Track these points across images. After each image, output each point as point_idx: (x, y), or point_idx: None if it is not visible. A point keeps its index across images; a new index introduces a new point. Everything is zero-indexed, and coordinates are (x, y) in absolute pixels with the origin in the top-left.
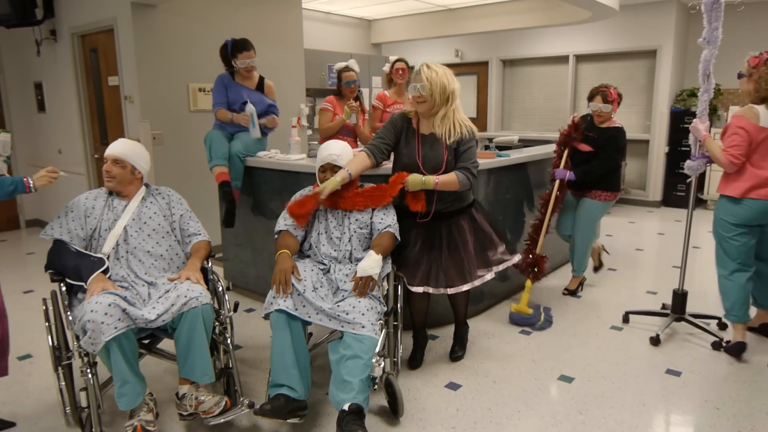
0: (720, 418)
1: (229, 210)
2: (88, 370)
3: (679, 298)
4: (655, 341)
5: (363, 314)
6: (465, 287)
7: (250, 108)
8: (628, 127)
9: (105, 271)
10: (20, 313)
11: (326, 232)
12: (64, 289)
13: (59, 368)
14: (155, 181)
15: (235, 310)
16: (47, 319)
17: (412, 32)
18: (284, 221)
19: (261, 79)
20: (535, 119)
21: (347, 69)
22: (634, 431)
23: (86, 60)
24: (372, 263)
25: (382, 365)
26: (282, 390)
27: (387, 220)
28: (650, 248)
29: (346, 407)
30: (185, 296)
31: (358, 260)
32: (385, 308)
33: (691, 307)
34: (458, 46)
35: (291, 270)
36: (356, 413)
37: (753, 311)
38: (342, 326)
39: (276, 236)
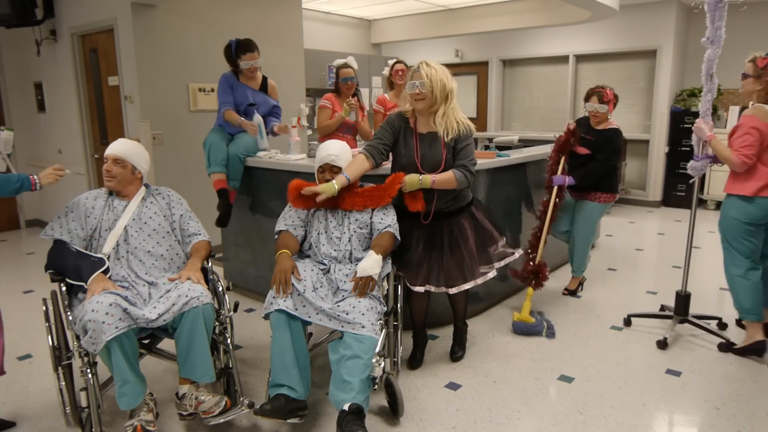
0: (720, 418)
1: (224, 213)
2: (88, 370)
3: (683, 299)
4: (663, 344)
5: (363, 314)
6: (467, 286)
7: (258, 119)
8: (629, 127)
9: (105, 271)
10: (20, 313)
11: (326, 232)
12: (64, 289)
13: (59, 368)
14: (155, 181)
15: (235, 310)
16: (47, 319)
17: (412, 32)
18: (284, 221)
19: (264, 79)
20: (535, 119)
21: (345, 66)
22: (634, 431)
23: (86, 60)
24: (372, 263)
25: (382, 365)
26: (282, 390)
27: (387, 220)
28: (650, 248)
29: (346, 407)
30: (186, 296)
31: (358, 260)
32: (385, 308)
33: (691, 307)
34: (458, 46)
35: (291, 270)
36: (356, 413)
37: None
38: (342, 326)
39: (276, 236)
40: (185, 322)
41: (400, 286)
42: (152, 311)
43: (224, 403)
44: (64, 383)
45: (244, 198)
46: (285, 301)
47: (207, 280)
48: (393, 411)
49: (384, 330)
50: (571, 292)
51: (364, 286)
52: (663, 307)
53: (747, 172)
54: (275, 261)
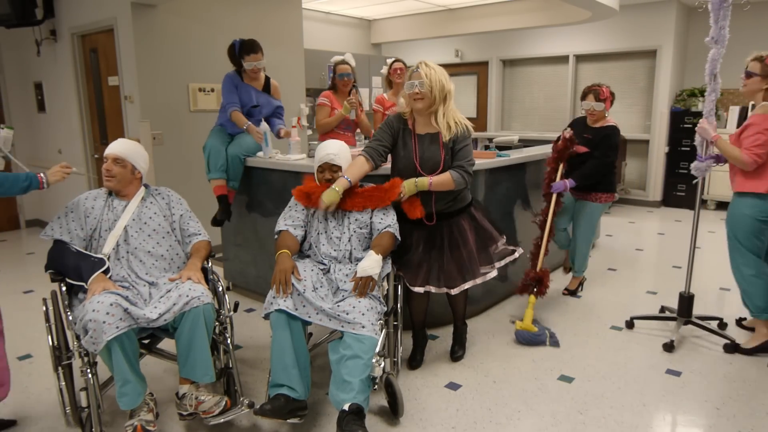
0: (720, 418)
1: (223, 219)
2: (88, 370)
3: (686, 301)
4: (669, 347)
5: (363, 314)
6: (466, 285)
7: (264, 126)
8: (629, 127)
9: (106, 272)
10: (20, 313)
11: (326, 232)
12: (64, 289)
13: (59, 368)
14: (155, 181)
15: (235, 310)
16: (47, 319)
17: (412, 32)
18: (284, 221)
19: (267, 79)
20: (535, 119)
21: (342, 62)
22: (634, 431)
23: (86, 60)
24: (372, 263)
25: (382, 365)
26: (282, 390)
27: (387, 220)
28: (650, 248)
29: (346, 407)
30: (187, 296)
31: (358, 260)
32: (385, 308)
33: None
34: (458, 46)
35: (291, 270)
36: (356, 413)
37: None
38: (342, 326)
39: (276, 236)
40: (186, 322)
41: (400, 286)
42: (153, 311)
43: (224, 403)
44: (64, 383)
45: (244, 198)
46: (285, 301)
47: (207, 280)
48: (393, 411)
49: (384, 330)
50: (571, 292)
51: (364, 286)
52: (663, 308)
53: (759, 170)
54: (275, 261)
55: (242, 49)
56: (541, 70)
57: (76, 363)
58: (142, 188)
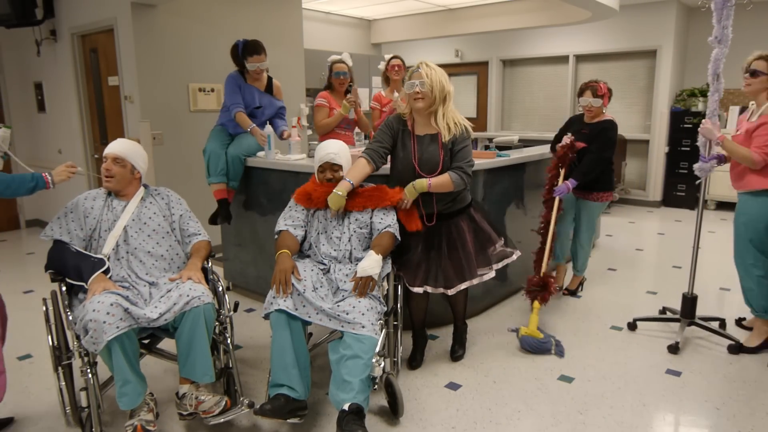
0: (720, 418)
1: (222, 219)
2: (88, 370)
3: (689, 302)
4: (674, 349)
5: (363, 314)
6: (464, 285)
7: (268, 129)
8: (629, 127)
9: (106, 272)
10: (20, 313)
11: (326, 232)
12: (64, 289)
13: (59, 368)
14: (155, 181)
15: (235, 310)
16: (47, 319)
17: (412, 32)
18: (284, 221)
19: (269, 79)
20: (535, 119)
21: (338, 61)
22: (634, 431)
23: (86, 60)
24: (372, 263)
25: (382, 365)
26: (282, 390)
27: (387, 220)
28: (650, 248)
29: (346, 407)
30: (187, 296)
31: (358, 260)
32: (385, 308)
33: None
34: (458, 46)
35: (291, 270)
36: (356, 413)
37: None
38: (342, 326)
39: (276, 236)
40: (186, 322)
41: (399, 286)
42: (153, 311)
43: (224, 403)
44: (64, 383)
45: (244, 198)
46: (285, 301)
47: (207, 280)
48: (393, 411)
49: (384, 330)
50: (572, 292)
51: (364, 286)
52: (664, 309)
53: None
54: (275, 261)
55: (246, 50)
56: (541, 70)
57: (76, 363)
58: (142, 188)
